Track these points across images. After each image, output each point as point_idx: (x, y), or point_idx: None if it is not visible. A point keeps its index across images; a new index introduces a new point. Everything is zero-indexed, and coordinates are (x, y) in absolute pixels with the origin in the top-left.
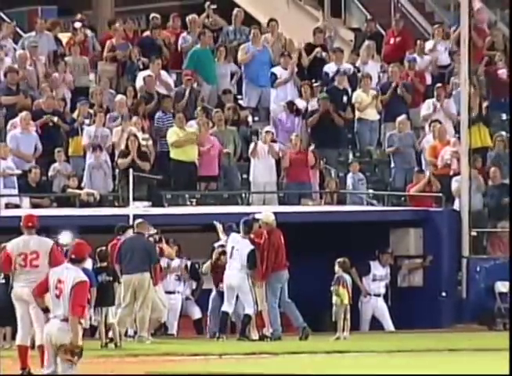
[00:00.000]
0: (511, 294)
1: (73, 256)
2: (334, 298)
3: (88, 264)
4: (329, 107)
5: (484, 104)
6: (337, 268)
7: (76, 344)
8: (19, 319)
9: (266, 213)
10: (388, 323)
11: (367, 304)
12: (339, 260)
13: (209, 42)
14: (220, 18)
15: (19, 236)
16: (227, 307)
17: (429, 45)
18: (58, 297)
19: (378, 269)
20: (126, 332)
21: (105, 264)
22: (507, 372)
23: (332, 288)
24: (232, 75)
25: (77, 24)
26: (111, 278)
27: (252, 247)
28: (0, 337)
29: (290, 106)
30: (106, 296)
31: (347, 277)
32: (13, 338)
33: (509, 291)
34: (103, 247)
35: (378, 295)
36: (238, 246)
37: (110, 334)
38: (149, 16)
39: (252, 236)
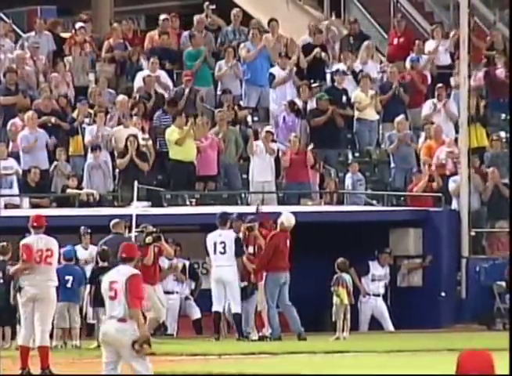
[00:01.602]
0: (511, 294)
1: (123, 255)
2: (334, 299)
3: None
4: (329, 107)
5: (482, 104)
6: (336, 268)
7: (146, 334)
8: (23, 319)
9: (287, 215)
10: (388, 324)
11: (366, 304)
12: (338, 260)
13: (201, 43)
14: (219, 18)
15: (30, 235)
16: (217, 306)
17: (429, 45)
18: (113, 298)
19: (377, 269)
20: None
21: (106, 264)
22: (507, 372)
23: (332, 289)
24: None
25: (79, 24)
26: None
27: (235, 234)
28: None
29: (292, 106)
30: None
31: (346, 277)
32: (13, 337)
33: (508, 290)
34: (105, 247)
35: (377, 295)
36: (221, 238)
37: None
38: (148, 16)
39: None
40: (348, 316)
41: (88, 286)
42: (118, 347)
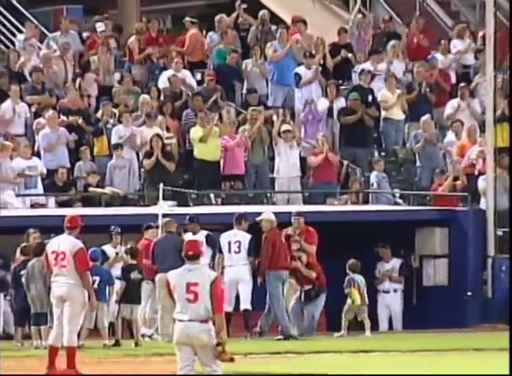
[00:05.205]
0: (511, 295)
1: (190, 253)
2: (348, 300)
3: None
4: (359, 107)
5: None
6: (348, 269)
7: (226, 339)
8: (55, 320)
9: (267, 212)
10: (397, 323)
11: (382, 301)
12: (349, 262)
13: (232, 41)
14: (251, 17)
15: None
16: (228, 307)
17: (454, 44)
18: (192, 301)
19: (382, 266)
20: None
21: (135, 262)
22: (507, 372)
23: (345, 291)
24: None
25: (101, 24)
26: (141, 276)
27: (250, 235)
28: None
29: (316, 106)
30: (135, 294)
31: (358, 278)
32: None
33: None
34: (133, 245)
35: (387, 292)
36: (236, 238)
37: (144, 331)
38: (174, 16)
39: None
40: (365, 315)
41: (119, 282)
42: (199, 347)
